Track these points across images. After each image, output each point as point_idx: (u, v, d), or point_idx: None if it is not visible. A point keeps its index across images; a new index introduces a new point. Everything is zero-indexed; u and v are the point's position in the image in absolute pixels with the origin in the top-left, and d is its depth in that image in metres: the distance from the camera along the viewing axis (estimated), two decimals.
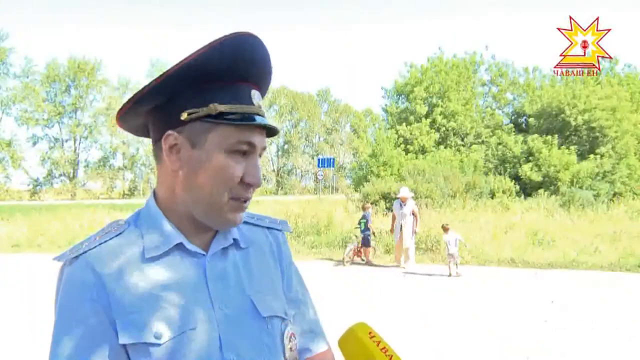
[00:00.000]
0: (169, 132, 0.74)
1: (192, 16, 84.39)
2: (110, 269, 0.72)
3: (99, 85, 49.54)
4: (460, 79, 27.64)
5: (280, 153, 60.86)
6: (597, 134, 22.14)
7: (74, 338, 0.69)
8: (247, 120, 0.74)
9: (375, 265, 9.60)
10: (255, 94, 0.77)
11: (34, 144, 48.29)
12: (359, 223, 9.81)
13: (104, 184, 50.99)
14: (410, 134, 26.39)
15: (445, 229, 8.61)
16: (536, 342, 4.66)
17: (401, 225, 9.07)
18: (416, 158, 23.94)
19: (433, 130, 26.60)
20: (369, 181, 19.35)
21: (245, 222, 0.88)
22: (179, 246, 0.76)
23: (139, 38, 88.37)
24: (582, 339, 4.75)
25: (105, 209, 18.56)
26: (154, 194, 0.81)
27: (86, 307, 0.70)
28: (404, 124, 26.95)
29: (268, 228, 0.91)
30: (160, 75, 0.72)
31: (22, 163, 46.36)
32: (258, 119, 0.75)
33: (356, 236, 9.99)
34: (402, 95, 28.96)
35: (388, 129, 28.28)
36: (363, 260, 9.89)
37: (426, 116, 26.92)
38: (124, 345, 0.70)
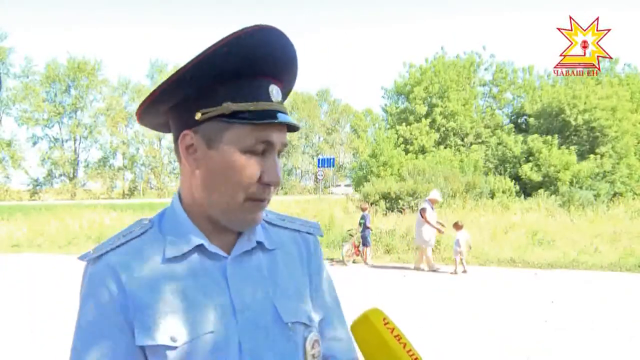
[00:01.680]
0: (185, 131, 0.72)
1: (192, 16, 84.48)
2: (130, 270, 0.71)
3: (99, 86, 49.53)
4: (460, 79, 27.66)
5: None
6: (597, 133, 22.14)
7: (93, 337, 0.70)
8: (263, 119, 0.70)
9: (374, 266, 9.60)
10: (274, 88, 0.73)
11: (34, 144, 48.29)
12: (359, 224, 9.87)
13: (104, 184, 50.95)
14: (410, 134, 26.41)
15: (458, 226, 8.69)
16: (536, 342, 4.66)
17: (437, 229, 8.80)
18: (416, 158, 23.94)
19: (433, 130, 26.62)
20: (369, 181, 19.36)
21: (275, 225, 0.86)
22: (200, 247, 0.75)
23: (139, 38, 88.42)
24: (582, 339, 4.75)
25: (105, 209, 18.56)
26: (179, 193, 0.80)
27: (105, 308, 0.70)
28: (404, 124, 26.97)
29: (299, 231, 0.88)
30: (175, 74, 0.69)
31: (22, 163, 46.36)
32: (277, 116, 0.71)
33: (351, 235, 10.05)
34: (402, 95, 28.98)
35: (388, 129, 28.29)
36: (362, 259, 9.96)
37: (426, 116, 26.94)
38: (142, 347, 0.70)
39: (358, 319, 0.76)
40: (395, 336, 0.72)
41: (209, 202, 0.74)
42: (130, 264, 0.72)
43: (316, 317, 0.83)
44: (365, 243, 9.74)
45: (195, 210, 0.76)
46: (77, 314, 0.72)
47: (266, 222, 0.84)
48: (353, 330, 0.76)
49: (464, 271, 8.46)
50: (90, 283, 0.72)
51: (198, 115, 0.71)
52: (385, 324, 0.73)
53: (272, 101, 0.72)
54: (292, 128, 0.76)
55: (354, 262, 9.78)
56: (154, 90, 0.72)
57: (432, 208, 8.89)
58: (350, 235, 10.10)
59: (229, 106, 0.69)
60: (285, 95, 0.79)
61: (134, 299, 0.70)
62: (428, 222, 8.67)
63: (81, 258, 0.75)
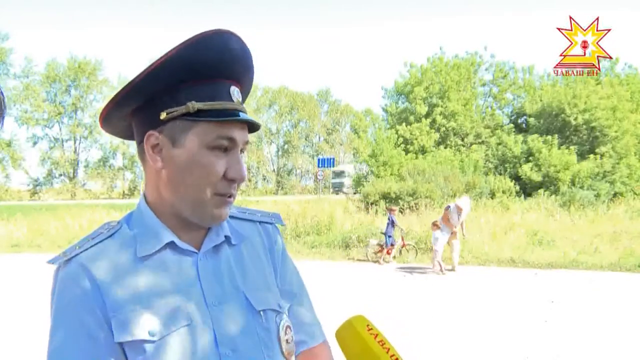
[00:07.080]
0: (150, 132, 0.75)
1: (192, 16, 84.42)
2: (103, 270, 0.73)
3: (99, 85, 49.46)
4: (461, 79, 27.60)
5: (280, 153, 60.75)
6: (597, 133, 22.11)
7: (71, 338, 0.70)
8: (225, 116, 0.73)
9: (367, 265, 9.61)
10: (234, 90, 0.77)
11: (34, 144, 48.22)
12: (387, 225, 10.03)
13: (104, 184, 50.89)
14: (410, 134, 26.37)
15: (437, 226, 8.73)
16: (536, 342, 4.66)
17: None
18: (416, 158, 23.90)
19: (433, 130, 26.58)
20: (369, 181, 19.34)
21: (237, 218, 0.88)
22: (171, 245, 0.77)
23: (139, 38, 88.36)
24: (582, 339, 4.75)
25: (105, 209, 18.55)
26: (144, 195, 0.82)
27: (81, 308, 0.71)
28: (404, 124, 26.93)
29: (260, 222, 0.91)
30: (138, 76, 0.72)
31: (22, 163, 46.28)
32: (239, 115, 0.75)
33: (382, 233, 10.15)
34: (402, 95, 28.93)
35: (388, 129, 28.24)
36: (394, 257, 10.18)
37: (426, 116, 26.91)
38: (121, 344, 0.71)
39: (342, 325, 0.77)
40: (379, 342, 0.73)
41: (178, 200, 0.76)
42: (102, 264, 0.73)
43: (285, 305, 0.85)
44: (385, 243, 9.94)
45: (163, 209, 0.78)
46: (51, 316, 0.73)
47: (230, 216, 0.86)
48: (337, 337, 0.77)
49: (439, 270, 8.52)
50: (63, 283, 0.73)
51: (163, 115, 0.73)
52: (369, 330, 0.74)
53: (232, 101, 0.76)
54: (252, 129, 0.79)
55: (388, 261, 9.94)
56: (119, 92, 0.74)
57: (458, 214, 8.57)
58: (382, 233, 10.24)
59: (194, 105, 0.72)
60: (244, 96, 0.82)
61: (109, 297, 0.71)
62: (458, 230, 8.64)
63: (51, 262, 0.75)
